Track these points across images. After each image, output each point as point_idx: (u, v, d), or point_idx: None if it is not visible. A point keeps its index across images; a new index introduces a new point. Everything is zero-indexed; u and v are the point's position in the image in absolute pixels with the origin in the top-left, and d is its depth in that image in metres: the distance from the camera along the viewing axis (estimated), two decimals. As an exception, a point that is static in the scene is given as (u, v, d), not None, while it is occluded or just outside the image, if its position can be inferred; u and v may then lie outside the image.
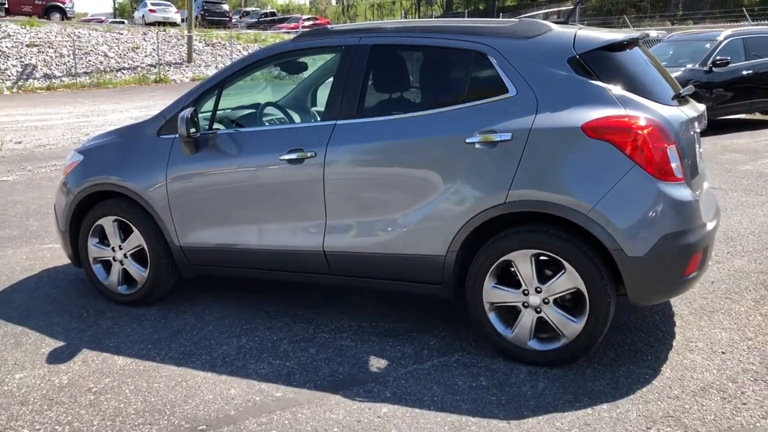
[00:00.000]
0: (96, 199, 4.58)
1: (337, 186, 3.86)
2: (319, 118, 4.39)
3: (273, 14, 51.89)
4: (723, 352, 3.72)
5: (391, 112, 3.84)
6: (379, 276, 3.93)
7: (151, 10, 35.92)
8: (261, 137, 4.16)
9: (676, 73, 10.67)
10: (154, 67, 29.38)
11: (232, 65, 4.36)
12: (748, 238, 5.74)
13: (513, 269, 3.54)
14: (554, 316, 3.52)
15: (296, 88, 5.10)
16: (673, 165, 3.35)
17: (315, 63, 4.87)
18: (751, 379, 3.43)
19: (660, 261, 3.34)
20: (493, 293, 3.61)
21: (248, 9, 55.95)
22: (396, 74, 4.04)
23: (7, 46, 28.95)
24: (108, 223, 4.53)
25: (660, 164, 3.31)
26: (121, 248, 4.54)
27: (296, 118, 4.76)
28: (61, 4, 35.20)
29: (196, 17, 37.28)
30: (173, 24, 33.63)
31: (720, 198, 6.83)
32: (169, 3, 38.23)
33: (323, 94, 4.24)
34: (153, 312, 4.48)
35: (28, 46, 29.45)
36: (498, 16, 40.29)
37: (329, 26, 4.41)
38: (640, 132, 3.29)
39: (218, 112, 4.34)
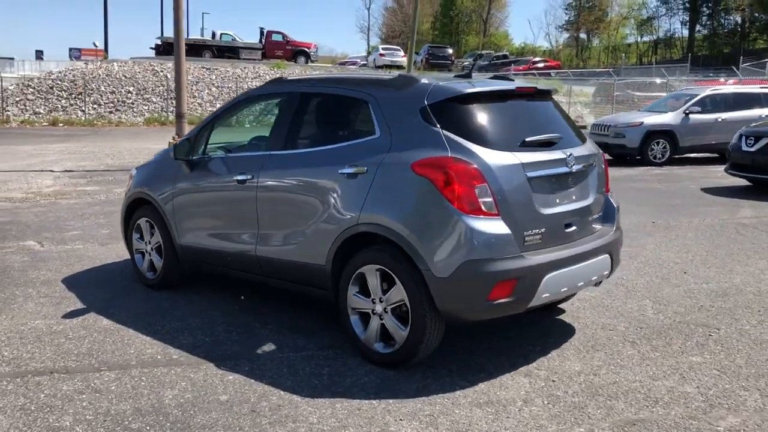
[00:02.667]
0: (139, 204, 6.02)
1: (264, 203, 4.84)
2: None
3: (505, 56, 53.23)
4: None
5: (299, 147, 4.75)
6: (289, 279, 4.82)
7: (381, 54, 39.35)
8: (226, 162, 5.28)
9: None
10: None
11: (217, 109, 5.58)
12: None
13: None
14: (390, 323, 4.14)
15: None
16: (482, 201, 3.84)
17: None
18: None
19: (462, 283, 3.84)
20: (353, 300, 4.31)
21: (483, 52, 57.91)
22: (309, 116, 4.93)
23: (255, 84, 33.56)
24: (143, 223, 5.95)
25: (468, 200, 3.83)
26: (149, 243, 5.93)
27: (258, 149, 5.80)
28: (306, 49, 39.96)
29: (421, 61, 39.92)
30: (399, 67, 36.39)
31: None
32: (398, 48, 41.46)
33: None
34: (159, 293, 5.77)
35: (272, 85, 33.92)
36: (741, 59, 37.52)
37: (284, 76, 5.45)
38: (451, 171, 3.85)
39: (217, 144, 5.55)
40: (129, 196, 6.05)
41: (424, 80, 4.27)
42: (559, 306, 5.25)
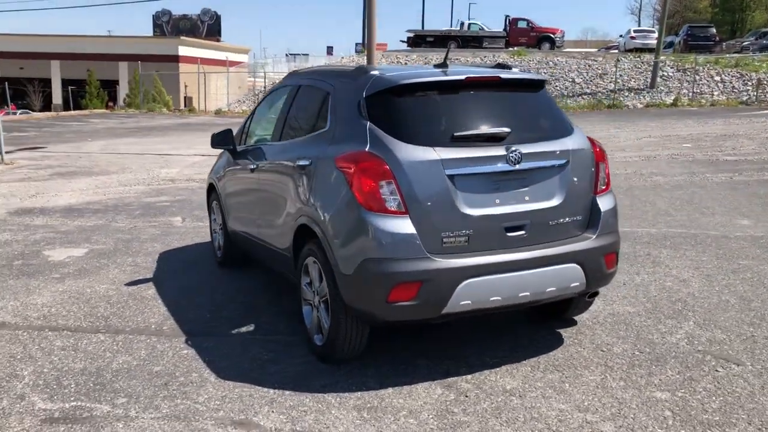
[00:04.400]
0: (212, 189, 6.65)
1: (260, 191, 5.11)
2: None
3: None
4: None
5: (283, 138, 4.90)
6: (277, 266, 5.04)
7: (631, 37, 36.69)
8: (249, 153, 5.61)
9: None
10: (614, 92, 30.20)
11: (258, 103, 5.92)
12: None
13: None
14: (322, 315, 4.16)
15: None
16: (387, 199, 3.68)
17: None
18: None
19: (362, 282, 3.72)
20: (303, 290, 4.38)
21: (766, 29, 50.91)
22: (294, 108, 4.98)
23: (492, 74, 33.54)
24: (214, 206, 6.58)
25: (373, 197, 3.69)
26: (217, 223, 6.53)
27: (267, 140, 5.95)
28: (551, 35, 38.80)
29: (679, 42, 36.49)
30: (650, 50, 33.73)
31: None
32: (652, 30, 38.27)
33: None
34: (221, 271, 6.33)
35: (509, 73, 33.61)
36: None
37: (298, 69, 5.58)
38: (359, 167, 3.74)
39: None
40: (207, 181, 6.70)
41: (373, 72, 4.15)
42: (573, 318, 4.76)
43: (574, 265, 3.94)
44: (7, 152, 14.98)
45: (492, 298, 3.77)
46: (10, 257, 6.91)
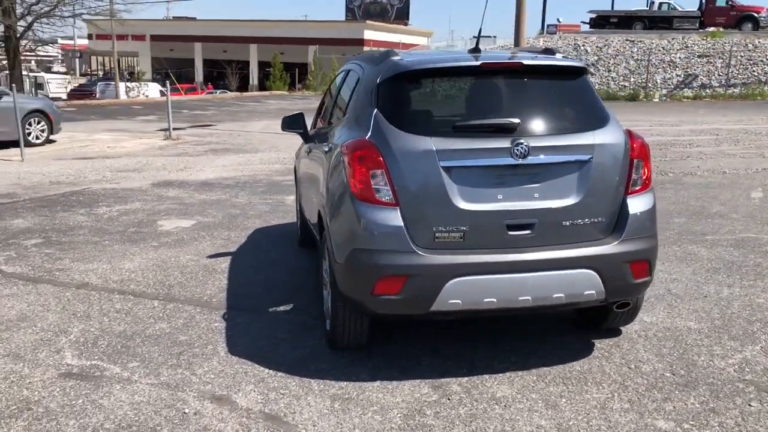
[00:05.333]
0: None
1: (309, 175, 5.21)
2: None
3: None
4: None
5: (330, 123, 4.92)
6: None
7: None
8: (312, 135, 5.68)
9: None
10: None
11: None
12: None
13: None
14: (328, 301, 4.18)
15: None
16: (377, 188, 3.59)
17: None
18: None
19: (351, 272, 3.68)
20: (323, 274, 4.44)
21: None
22: (342, 93, 4.93)
23: (679, 57, 31.18)
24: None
25: (365, 186, 3.62)
26: (296, 203, 6.75)
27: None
28: (755, 14, 35.06)
29: None
30: None
31: None
32: None
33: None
34: (298, 250, 6.55)
35: (699, 56, 31.01)
36: None
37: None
38: (353, 155, 3.68)
39: None
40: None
41: (395, 57, 4.04)
42: (619, 328, 4.39)
43: (589, 271, 3.60)
44: (177, 128, 16.45)
45: (486, 300, 3.55)
46: (128, 224, 7.62)
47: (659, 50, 31.71)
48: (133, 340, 4.34)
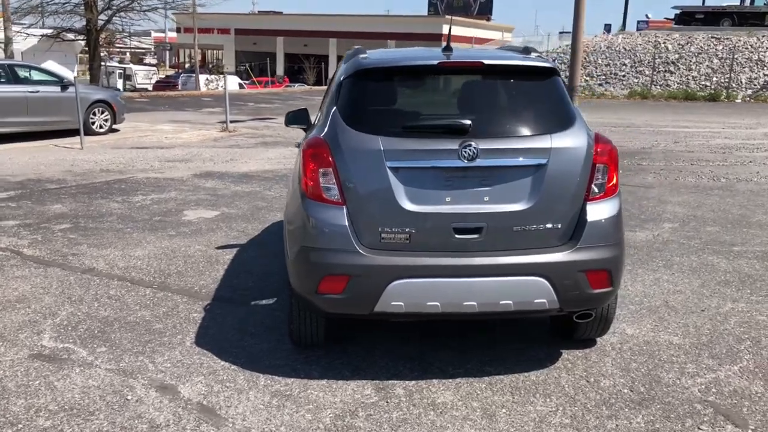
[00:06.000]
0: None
1: None
2: None
3: None
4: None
5: (318, 119, 4.92)
6: None
7: None
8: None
9: None
10: None
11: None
12: None
13: None
14: (293, 299, 4.19)
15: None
16: (325, 187, 3.59)
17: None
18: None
19: (298, 269, 3.70)
20: (293, 271, 4.46)
21: None
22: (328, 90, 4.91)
23: (764, 56, 29.58)
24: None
25: (313, 184, 3.62)
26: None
27: None
28: None
29: None
30: None
31: None
32: None
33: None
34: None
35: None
36: None
37: None
38: (305, 153, 3.68)
39: None
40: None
41: (360, 55, 4.01)
42: (595, 338, 4.24)
43: (539, 278, 3.48)
44: (237, 121, 16.85)
45: (429, 303, 3.49)
46: (156, 213, 7.87)
47: (747, 48, 30.19)
48: (112, 326, 4.48)
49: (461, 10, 61.63)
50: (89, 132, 14.18)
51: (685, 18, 36.53)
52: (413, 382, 3.72)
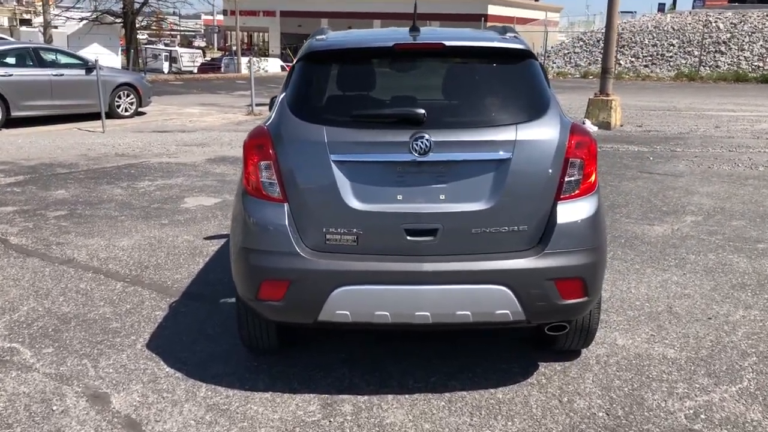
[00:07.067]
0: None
1: None
2: None
3: None
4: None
5: None
6: None
7: None
8: None
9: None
10: None
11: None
12: None
13: None
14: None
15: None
16: (264, 181, 3.25)
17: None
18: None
19: (238, 272, 3.38)
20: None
21: None
22: None
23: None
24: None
25: (253, 177, 3.29)
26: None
27: None
28: None
29: None
30: None
31: None
32: None
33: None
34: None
35: None
36: None
37: None
38: (246, 144, 3.35)
39: None
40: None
41: (318, 36, 3.64)
42: (579, 350, 3.84)
43: (500, 287, 3.09)
44: (263, 104, 16.61)
45: (377, 313, 3.14)
46: (156, 200, 7.68)
47: (804, 28, 28.66)
48: (68, 324, 4.26)
49: (509, -11, 60.25)
50: (114, 115, 14.14)
51: (742, -6, 34.94)
52: (365, 397, 3.38)
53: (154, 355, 3.84)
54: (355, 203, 3.11)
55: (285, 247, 3.15)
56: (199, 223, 6.66)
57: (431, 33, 3.57)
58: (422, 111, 3.10)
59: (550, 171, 3.14)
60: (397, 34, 3.60)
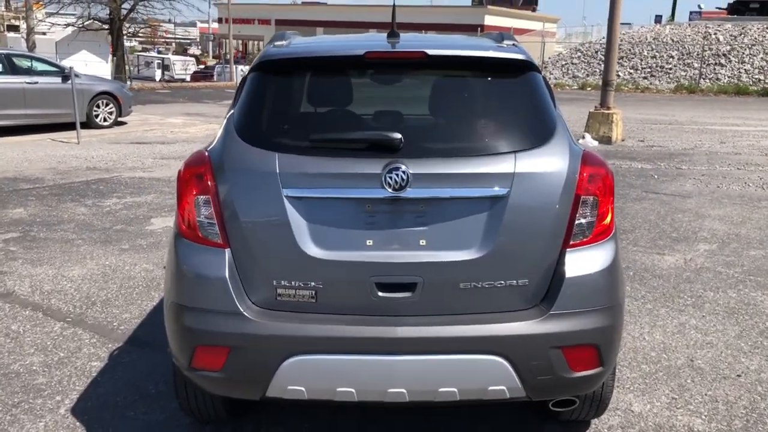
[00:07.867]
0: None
1: None
2: None
3: None
4: None
5: None
6: None
7: None
8: None
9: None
10: None
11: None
12: None
13: None
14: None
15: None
16: (201, 222, 2.61)
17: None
18: None
19: (169, 333, 2.74)
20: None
21: None
22: None
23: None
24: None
25: (187, 216, 2.66)
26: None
27: None
28: None
29: None
30: None
31: None
32: None
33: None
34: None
35: None
36: None
37: None
38: (180, 175, 2.73)
39: None
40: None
41: (276, 42, 3.01)
42: (588, 420, 3.20)
43: (495, 357, 2.46)
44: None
45: (340, 389, 2.49)
46: (120, 220, 7.05)
47: (805, 40, 28.23)
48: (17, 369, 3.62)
49: (506, 1, 60.06)
50: (92, 125, 13.51)
51: (739, 7, 34.55)
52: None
53: (77, 424, 3.19)
54: (313, 250, 2.47)
55: (224, 305, 2.51)
56: (162, 249, 6.02)
57: (413, 40, 2.93)
58: (398, 136, 2.47)
59: (557, 211, 2.51)
60: (372, 40, 2.97)
